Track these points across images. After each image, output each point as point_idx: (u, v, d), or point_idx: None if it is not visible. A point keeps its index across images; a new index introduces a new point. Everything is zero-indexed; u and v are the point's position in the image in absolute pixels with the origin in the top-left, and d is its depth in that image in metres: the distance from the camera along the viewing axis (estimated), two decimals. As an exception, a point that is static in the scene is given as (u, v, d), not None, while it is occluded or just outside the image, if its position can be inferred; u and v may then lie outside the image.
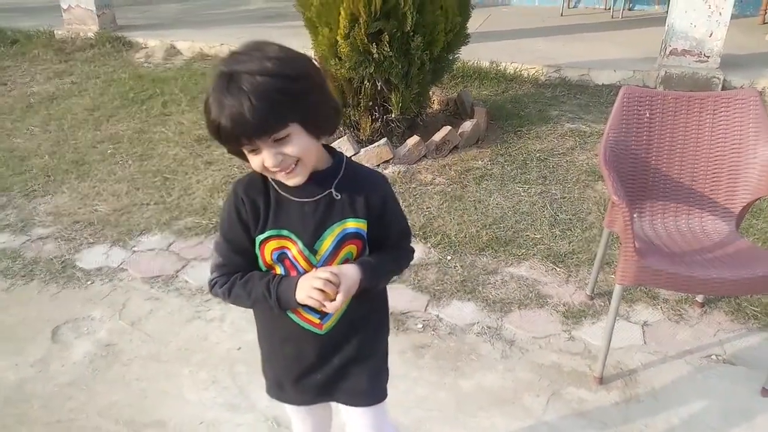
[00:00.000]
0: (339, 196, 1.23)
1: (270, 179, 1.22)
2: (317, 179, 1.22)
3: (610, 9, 7.45)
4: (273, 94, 1.06)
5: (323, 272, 1.19)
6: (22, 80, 5.46)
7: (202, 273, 2.80)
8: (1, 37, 6.43)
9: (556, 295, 2.66)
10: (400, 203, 3.49)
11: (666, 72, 4.96)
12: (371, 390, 1.43)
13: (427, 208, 3.31)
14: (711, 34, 4.84)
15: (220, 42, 6.00)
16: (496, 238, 3.03)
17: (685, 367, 2.28)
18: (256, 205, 1.23)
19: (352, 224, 1.24)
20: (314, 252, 1.24)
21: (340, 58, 3.54)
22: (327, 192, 1.23)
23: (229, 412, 2.12)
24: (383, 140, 3.76)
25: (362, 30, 3.37)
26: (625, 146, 2.34)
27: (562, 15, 7.35)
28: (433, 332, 2.46)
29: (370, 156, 3.73)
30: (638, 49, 5.67)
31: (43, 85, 5.33)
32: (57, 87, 5.25)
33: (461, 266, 2.83)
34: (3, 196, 3.52)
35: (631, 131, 2.35)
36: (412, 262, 1.41)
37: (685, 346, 2.37)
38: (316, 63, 1.19)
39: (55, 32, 6.48)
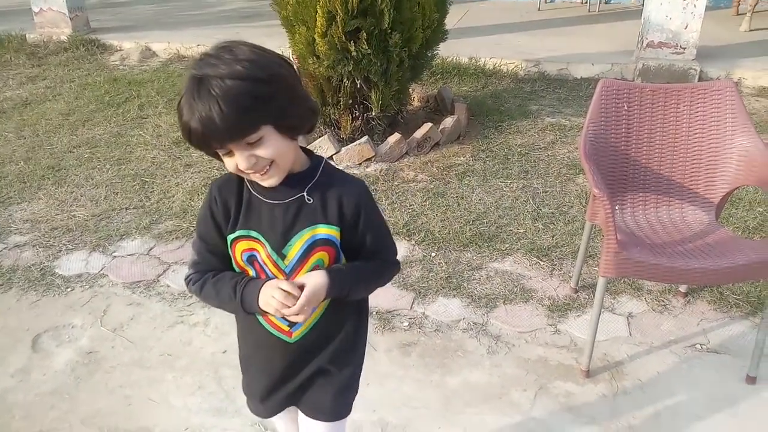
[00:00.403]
0: (311, 200, 1.20)
1: (246, 179, 1.21)
2: (291, 181, 1.19)
3: (586, 3, 7.50)
4: (243, 99, 1.04)
5: (286, 284, 1.16)
6: (-6, 85, 5.37)
7: (183, 277, 2.76)
8: (-28, 42, 6.32)
9: (541, 289, 2.67)
10: (383, 202, 3.46)
11: (643, 64, 5.01)
12: (334, 407, 1.38)
13: (410, 205, 3.30)
14: (686, 26, 4.90)
15: (197, 42, 5.94)
16: (480, 233, 3.03)
17: (671, 357, 2.30)
18: (227, 206, 1.22)
19: (323, 230, 1.20)
20: (282, 256, 1.21)
21: (318, 57, 3.52)
22: (299, 195, 1.20)
23: (215, 417, 2.09)
24: (364, 138, 3.75)
25: (340, 28, 3.35)
26: (604, 139, 2.35)
27: (539, 10, 7.40)
28: (419, 330, 2.45)
29: (351, 154, 3.71)
30: (615, 43, 5.72)
31: (16, 90, 5.23)
32: (30, 92, 5.15)
33: (446, 263, 2.83)
34: (-23, 204, 3.45)
35: (610, 124, 2.36)
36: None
37: (670, 337, 2.39)
38: (290, 62, 1.16)
39: (27, 36, 6.37)
